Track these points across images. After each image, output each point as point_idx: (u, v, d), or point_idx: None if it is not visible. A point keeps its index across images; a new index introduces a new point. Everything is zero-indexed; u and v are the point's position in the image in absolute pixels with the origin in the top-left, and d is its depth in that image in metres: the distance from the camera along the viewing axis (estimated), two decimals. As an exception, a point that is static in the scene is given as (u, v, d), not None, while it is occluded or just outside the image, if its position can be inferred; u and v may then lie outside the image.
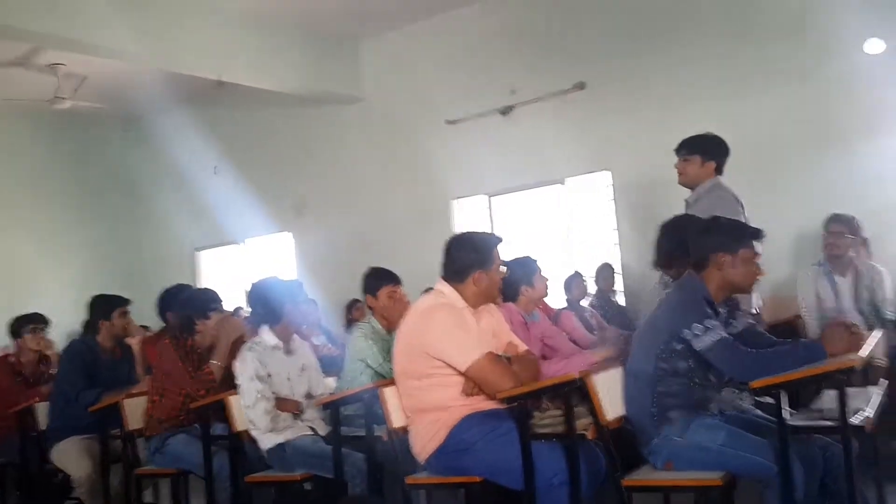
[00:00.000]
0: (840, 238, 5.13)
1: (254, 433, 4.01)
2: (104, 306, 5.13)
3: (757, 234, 3.34)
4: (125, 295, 5.25)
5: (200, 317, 4.50)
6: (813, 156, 6.38)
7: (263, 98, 8.89)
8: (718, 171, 4.34)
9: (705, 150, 4.34)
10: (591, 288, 6.80)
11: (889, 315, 5.25)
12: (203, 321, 4.50)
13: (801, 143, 6.46)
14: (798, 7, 6.51)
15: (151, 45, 7.28)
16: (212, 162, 9.75)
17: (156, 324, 6.16)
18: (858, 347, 2.96)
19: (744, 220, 3.97)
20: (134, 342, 5.32)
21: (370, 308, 4.51)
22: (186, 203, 10.02)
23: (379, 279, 4.46)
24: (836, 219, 5.23)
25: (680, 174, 4.43)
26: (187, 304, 4.63)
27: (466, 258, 3.39)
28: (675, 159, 6.87)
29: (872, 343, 3.12)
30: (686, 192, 4.48)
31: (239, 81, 7.96)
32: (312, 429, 4.06)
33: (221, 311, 4.62)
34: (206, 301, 4.60)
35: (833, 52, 6.35)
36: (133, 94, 9.45)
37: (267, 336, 4.16)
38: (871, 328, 4.52)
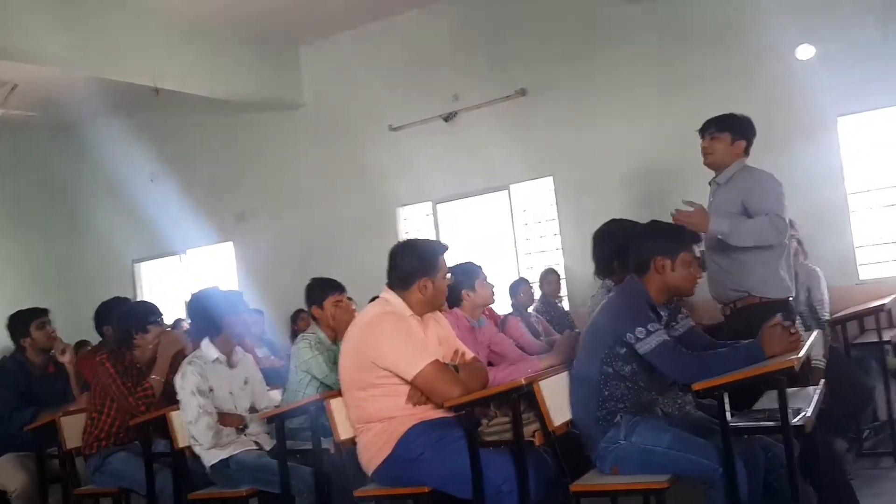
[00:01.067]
0: None
1: (196, 449, 3.92)
2: (19, 324, 4.98)
3: (696, 237, 3.40)
4: (60, 309, 5.11)
5: (139, 331, 4.41)
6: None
7: (202, 105, 8.74)
8: (748, 151, 4.11)
9: (736, 129, 4.09)
10: (537, 293, 6.84)
11: (825, 315, 5.38)
12: (142, 335, 4.40)
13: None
14: (731, 14, 6.66)
15: (85, 51, 7.09)
16: (149, 171, 9.55)
17: (95, 338, 6.01)
18: (797, 348, 3.01)
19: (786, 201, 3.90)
20: (65, 358, 5.16)
21: (315, 318, 4.46)
22: (123, 214, 9.81)
23: (324, 289, 4.42)
24: None
25: (707, 154, 4.13)
26: (125, 318, 4.52)
27: (411, 266, 3.37)
28: (615, 162, 7.07)
29: (810, 344, 3.18)
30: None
31: (176, 88, 7.79)
32: (257, 443, 4.00)
33: (161, 324, 4.52)
34: (145, 314, 4.50)
35: (766, 57, 6.52)
36: (66, 102, 9.19)
37: (208, 349, 4.09)
38: (808, 329, 4.64)
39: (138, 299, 8.11)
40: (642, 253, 3.30)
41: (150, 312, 4.53)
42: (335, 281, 4.49)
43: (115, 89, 8.45)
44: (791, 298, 4.03)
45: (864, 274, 6.27)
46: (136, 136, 9.38)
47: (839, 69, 6.23)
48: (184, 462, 3.99)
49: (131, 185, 9.65)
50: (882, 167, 6.34)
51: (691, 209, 3.81)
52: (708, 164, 4.16)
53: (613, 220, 4.11)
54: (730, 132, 4.08)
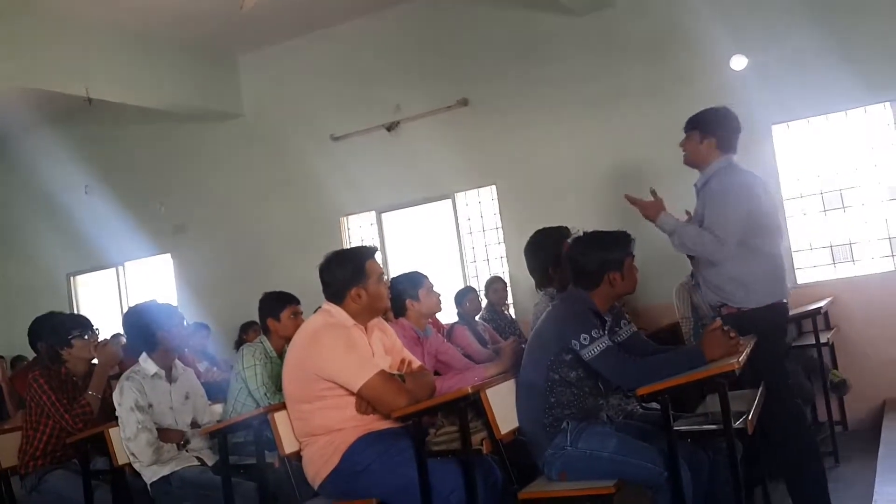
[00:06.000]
0: None
1: (136, 466, 3.84)
2: None
3: (631, 240, 3.44)
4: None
5: (63, 345, 4.30)
6: (684, 171, 6.60)
7: (137, 115, 8.56)
8: (725, 148, 3.88)
9: (702, 125, 3.90)
10: (484, 301, 6.84)
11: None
12: (67, 349, 4.30)
13: (672, 159, 6.70)
14: (666, 26, 6.78)
15: (14, 61, 6.85)
16: (83, 182, 9.31)
17: (31, 354, 5.84)
18: (736, 352, 3.07)
19: (749, 212, 3.73)
20: None
21: (268, 331, 4.43)
22: (58, 226, 9.54)
23: (280, 301, 4.43)
24: None
25: (683, 154, 4.00)
26: (49, 333, 4.41)
27: (340, 277, 3.34)
28: (558, 172, 7.14)
29: (749, 348, 3.25)
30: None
31: (110, 98, 7.59)
32: (199, 459, 3.92)
33: (88, 336, 4.40)
34: (68, 328, 4.38)
35: (700, 68, 6.65)
36: (-6, 113, 8.93)
37: (146, 364, 4.00)
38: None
39: (73, 313, 7.89)
40: (592, 268, 3.32)
41: (74, 326, 4.41)
42: (290, 294, 4.49)
43: (46, 100, 8.23)
44: (775, 304, 3.81)
45: (802, 278, 6.43)
46: (70, 147, 9.15)
47: (772, 79, 6.39)
48: (123, 480, 3.89)
49: (65, 198, 9.41)
50: (815, 173, 6.51)
51: (652, 199, 3.84)
52: (686, 164, 4.02)
53: (540, 231, 4.15)
54: (697, 130, 3.92)
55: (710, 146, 3.87)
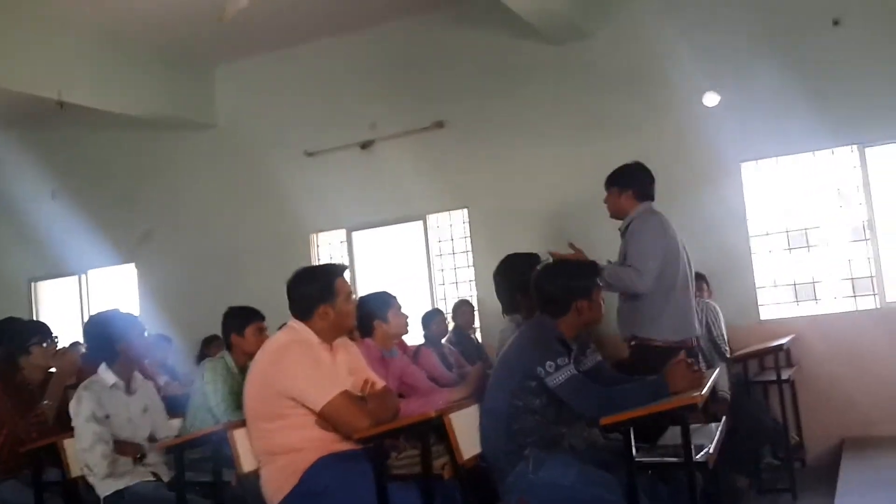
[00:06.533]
0: None
1: (91, 479, 3.75)
2: None
3: (598, 269, 3.48)
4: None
5: (21, 352, 4.23)
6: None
7: (109, 121, 8.45)
8: (642, 197, 4.31)
9: (619, 181, 4.35)
10: (451, 325, 6.84)
11: (726, 350, 5.55)
12: (25, 356, 4.23)
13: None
14: (641, 60, 6.88)
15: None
16: (49, 187, 9.18)
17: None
18: (700, 385, 3.08)
19: (666, 248, 4.11)
20: None
21: (231, 346, 4.38)
22: (21, 231, 9.38)
23: (245, 317, 4.41)
24: None
25: (609, 209, 4.44)
26: (8, 339, 4.33)
27: (308, 294, 3.32)
28: (529, 198, 7.17)
29: (713, 378, 3.27)
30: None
31: (82, 102, 7.49)
32: (155, 474, 3.84)
33: (47, 344, 4.33)
34: (27, 335, 4.32)
35: (674, 103, 6.76)
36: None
37: (105, 374, 3.92)
38: (709, 365, 4.78)
39: (33, 319, 7.74)
40: (559, 296, 3.34)
41: (34, 333, 4.35)
42: (255, 309, 4.47)
43: (14, 101, 8.10)
44: (682, 341, 4.09)
45: (765, 314, 6.51)
46: (38, 151, 9.03)
47: (743, 117, 6.51)
48: (76, 492, 3.81)
49: (30, 202, 9.27)
50: (781, 212, 6.61)
51: (572, 251, 4.19)
52: (612, 217, 4.42)
53: (511, 256, 4.20)
54: (615, 186, 4.35)
55: (628, 198, 4.32)
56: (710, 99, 6.60)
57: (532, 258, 4.00)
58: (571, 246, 4.25)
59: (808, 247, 6.53)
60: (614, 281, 4.08)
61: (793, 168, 6.58)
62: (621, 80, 6.96)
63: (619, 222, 4.37)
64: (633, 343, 4.14)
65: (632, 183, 4.33)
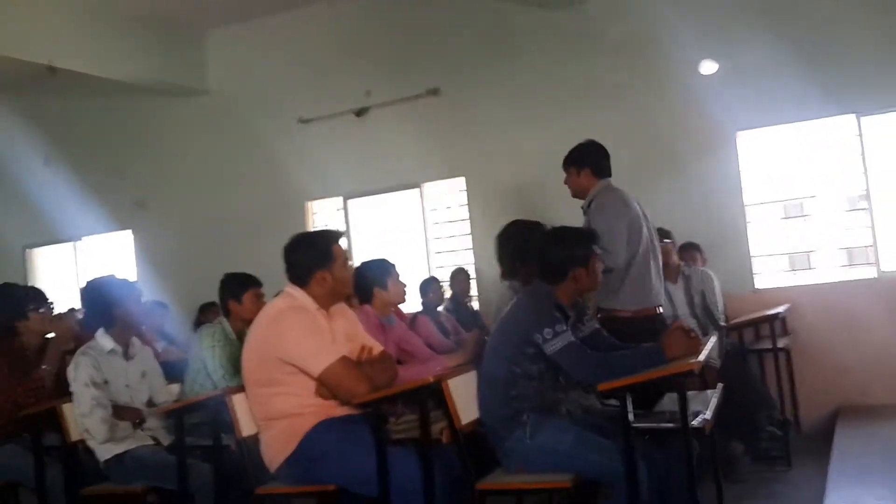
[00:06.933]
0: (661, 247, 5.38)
1: (90, 443, 3.78)
2: None
3: (597, 238, 3.48)
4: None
5: (19, 317, 4.24)
6: (648, 173, 6.67)
7: (101, 87, 8.32)
8: (599, 174, 4.40)
9: (576, 161, 4.46)
10: (448, 293, 6.84)
11: (720, 318, 5.58)
12: (23, 322, 4.24)
13: (639, 158, 6.77)
14: (638, 27, 6.80)
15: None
16: (41, 154, 9.10)
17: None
18: (696, 351, 3.10)
19: (629, 221, 4.17)
20: None
21: (228, 312, 4.40)
22: (14, 198, 9.32)
23: (243, 283, 4.41)
24: None
25: (570, 189, 4.54)
26: (5, 305, 4.33)
27: (305, 260, 3.32)
28: (525, 167, 7.15)
29: (709, 347, 3.28)
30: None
31: (73, 68, 7.40)
32: (154, 439, 3.87)
33: (45, 311, 4.34)
34: (25, 301, 4.34)
35: (670, 71, 6.70)
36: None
37: (103, 339, 3.94)
38: (705, 332, 4.81)
39: (30, 286, 7.72)
40: (556, 263, 3.35)
41: (31, 299, 4.37)
42: (252, 276, 4.47)
43: (5, 67, 8.00)
44: (643, 310, 4.18)
45: (760, 283, 6.53)
46: (28, 117, 8.91)
47: (740, 85, 6.46)
48: (76, 456, 3.83)
49: (23, 169, 9.19)
50: (777, 181, 6.60)
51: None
52: (574, 196, 4.52)
53: (515, 222, 4.21)
54: (573, 166, 4.46)
55: (587, 176, 4.42)
56: (707, 67, 6.56)
57: (535, 226, 3.99)
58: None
59: (804, 216, 6.53)
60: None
61: (789, 137, 6.57)
62: (617, 46, 6.90)
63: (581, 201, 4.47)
64: (598, 315, 4.20)
65: (588, 161, 4.43)
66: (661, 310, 4.37)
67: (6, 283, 5.12)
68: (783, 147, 6.59)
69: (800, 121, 6.46)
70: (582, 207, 4.42)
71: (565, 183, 4.51)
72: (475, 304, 7.24)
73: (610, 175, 4.44)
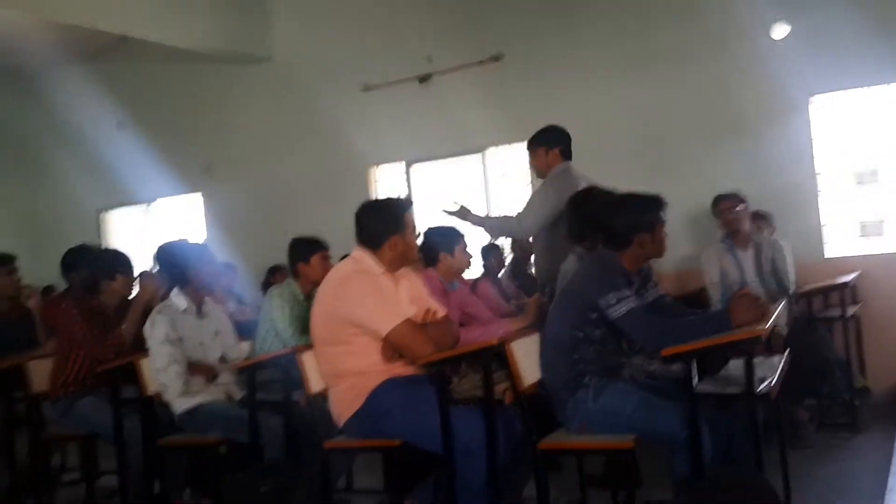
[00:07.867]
0: (733, 212, 5.30)
1: (165, 397, 3.93)
2: None
3: (663, 204, 3.45)
4: (24, 257, 5.04)
5: (106, 277, 4.40)
6: (717, 139, 6.55)
7: (169, 54, 8.50)
8: (565, 155, 4.70)
9: (543, 142, 4.73)
10: (509, 258, 6.86)
11: (790, 287, 5.49)
12: (109, 282, 4.40)
13: (700, 125, 6.64)
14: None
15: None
16: (113, 119, 9.35)
17: (61, 286, 5.96)
18: (764, 318, 3.07)
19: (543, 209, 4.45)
20: (32, 303, 5.11)
21: (297, 274, 4.51)
22: (89, 162, 9.59)
23: (311, 246, 4.54)
24: (722, 197, 5.39)
25: (534, 170, 4.85)
26: (94, 264, 4.50)
27: (379, 225, 3.39)
28: (589, 132, 7.08)
29: (776, 314, 3.25)
30: None
31: (143, 37, 7.57)
32: (227, 394, 4.00)
33: (128, 275, 4.50)
34: (114, 262, 4.49)
35: (739, 35, 6.51)
36: (24, 48, 8.89)
37: (177, 299, 4.08)
38: (773, 299, 4.73)
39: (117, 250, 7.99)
40: (622, 229, 3.34)
41: (119, 261, 4.52)
42: (319, 239, 4.60)
43: (78, 36, 8.20)
44: None
45: (830, 252, 6.38)
46: (101, 84, 9.12)
47: (813, 48, 6.23)
48: (152, 408, 3.98)
49: (97, 133, 9.46)
50: (851, 148, 6.41)
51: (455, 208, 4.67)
52: (539, 177, 4.82)
53: (592, 188, 4.15)
54: (543, 145, 4.74)
55: (555, 155, 4.72)
56: (780, 31, 6.36)
57: (607, 195, 3.94)
58: (456, 204, 4.71)
59: (878, 183, 6.34)
60: (496, 229, 4.87)
61: (863, 102, 6.35)
62: (681, 9, 6.73)
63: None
64: (546, 290, 4.34)
65: (559, 141, 4.71)
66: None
67: (83, 244, 5.33)
68: (857, 112, 6.38)
69: (876, 84, 6.24)
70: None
71: (530, 164, 4.78)
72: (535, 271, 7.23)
73: (571, 159, 4.72)
